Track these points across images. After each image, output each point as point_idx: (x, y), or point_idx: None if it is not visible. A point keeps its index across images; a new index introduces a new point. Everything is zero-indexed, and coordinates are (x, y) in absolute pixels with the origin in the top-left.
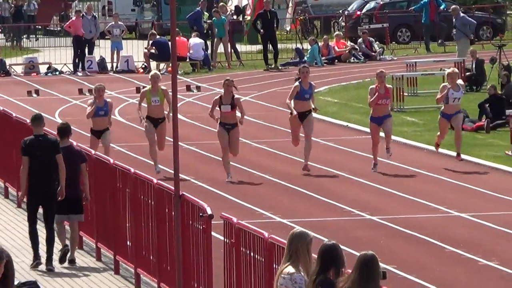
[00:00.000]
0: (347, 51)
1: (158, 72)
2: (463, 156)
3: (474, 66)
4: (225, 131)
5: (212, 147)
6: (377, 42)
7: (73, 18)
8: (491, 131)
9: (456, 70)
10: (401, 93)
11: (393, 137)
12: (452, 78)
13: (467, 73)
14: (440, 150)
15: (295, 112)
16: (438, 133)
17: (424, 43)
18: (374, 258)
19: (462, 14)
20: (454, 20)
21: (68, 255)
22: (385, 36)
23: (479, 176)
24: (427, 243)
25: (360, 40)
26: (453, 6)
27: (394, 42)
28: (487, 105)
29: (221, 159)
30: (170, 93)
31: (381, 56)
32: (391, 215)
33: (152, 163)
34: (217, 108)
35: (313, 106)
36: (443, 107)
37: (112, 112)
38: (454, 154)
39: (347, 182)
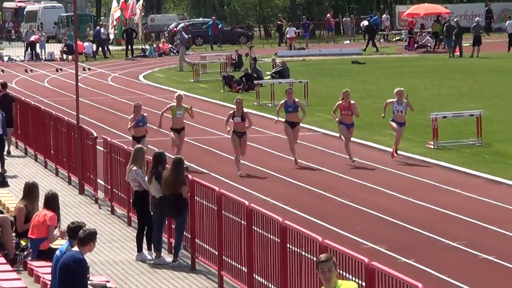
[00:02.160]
0: (168, 49)
1: (182, 94)
2: None
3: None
4: (237, 137)
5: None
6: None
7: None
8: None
9: (403, 88)
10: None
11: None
12: (399, 94)
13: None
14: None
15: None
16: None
17: (210, 45)
18: (181, 160)
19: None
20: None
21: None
22: (189, 41)
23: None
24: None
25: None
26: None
27: (194, 45)
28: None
29: (233, 158)
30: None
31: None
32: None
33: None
34: (231, 120)
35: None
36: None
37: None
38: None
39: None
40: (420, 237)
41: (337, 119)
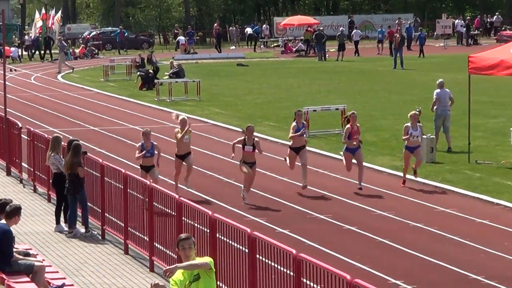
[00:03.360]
0: (83, 54)
1: (186, 118)
2: None
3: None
4: (248, 167)
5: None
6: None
7: None
8: None
9: (417, 112)
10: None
11: None
12: (413, 118)
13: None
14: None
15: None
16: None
17: (117, 50)
18: (78, 145)
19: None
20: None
21: None
22: (99, 47)
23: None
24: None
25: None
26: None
27: (104, 50)
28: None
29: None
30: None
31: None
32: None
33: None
34: (239, 145)
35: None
36: (406, 142)
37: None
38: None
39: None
40: (295, 211)
41: (354, 143)
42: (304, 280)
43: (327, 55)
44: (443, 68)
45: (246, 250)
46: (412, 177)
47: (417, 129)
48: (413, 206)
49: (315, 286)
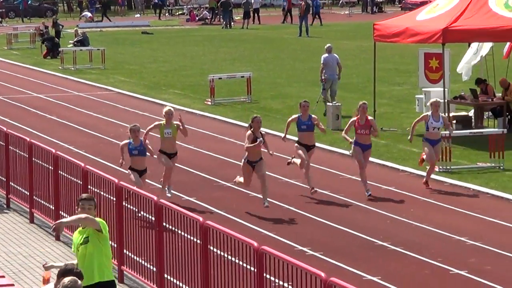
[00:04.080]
0: None
1: (172, 109)
2: None
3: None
4: (250, 167)
5: None
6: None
7: None
8: None
9: (439, 100)
10: None
11: None
12: (435, 106)
13: None
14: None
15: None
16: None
17: (21, 18)
18: None
19: None
20: None
21: None
22: (2, 15)
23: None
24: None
25: None
26: None
27: (7, 18)
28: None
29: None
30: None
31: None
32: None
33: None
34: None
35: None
36: (426, 134)
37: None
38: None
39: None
40: (201, 179)
41: (351, 140)
42: (211, 248)
43: (232, 23)
44: (348, 35)
45: (153, 219)
46: (410, 170)
47: (438, 120)
48: (318, 172)
49: (222, 253)
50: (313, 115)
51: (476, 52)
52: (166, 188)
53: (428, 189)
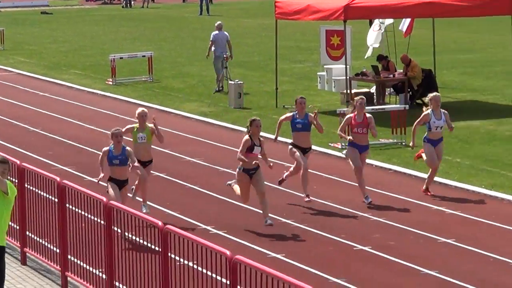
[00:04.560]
0: None
1: (146, 110)
2: None
3: None
4: (248, 176)
5: None
6: None
7: None
8: None
9: (438, 94)
10: None
11: None
12: (435, 101)
13: None
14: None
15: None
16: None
17: None
18: None
19: None
20: None
21: None
22: None
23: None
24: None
25: None
26: None
27: None
28: None
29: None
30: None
31: None
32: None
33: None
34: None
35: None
36: (427, 134)
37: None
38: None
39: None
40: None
41: (349, 138)
42: (115, 228)
43: (132, 2)
44: (250, 14)
45: (56, 200)
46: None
47: (440, 117)
48: (220, 151)
49: (126, 233)
50: (310, 113)
51: (380, 29)
52: (143, 205)
53: (430, 195)
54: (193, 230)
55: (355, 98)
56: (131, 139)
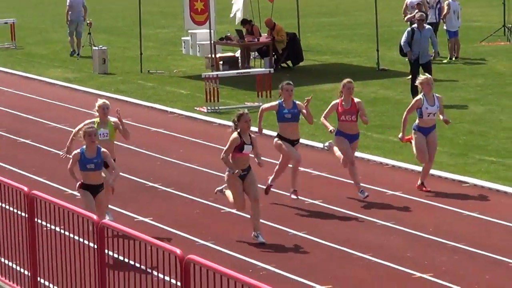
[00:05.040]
0: None
1: (108, 102)
2: None
3: None
4: (239, 180)
5: None
6: None
7: None
8: None
9: (430, 76)
10: None
11: None
12: (426, 85)
13: None
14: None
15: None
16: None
17: None
18: None
19: None
20: None
21: None
22: None
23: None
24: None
25: None
26: None
27: None
28: None
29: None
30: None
31: None
32: None
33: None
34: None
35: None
36: (418, 121)
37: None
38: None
39: None
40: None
41: (331, 128)
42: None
43: None
44: None
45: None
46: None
47: (434, 103)
48: (86, 117)
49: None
50: (298, 102)
51: None
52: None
53: (426, 191)
54: (60, 195)
55: (343, 82)
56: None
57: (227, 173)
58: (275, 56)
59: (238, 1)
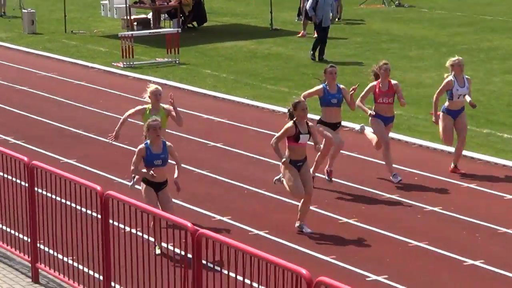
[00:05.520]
0: None
1: (160, 88)
2: None
3: None
4: (296, 170)
5: None
6: None
7: None
8: None
9: (461, 59)
10: None
11: None
12: (458, 66)
13: None
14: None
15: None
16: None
17: None
18: None
19: None
20: None
21: None
22: None
23: None
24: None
25: None
26: None
27: None
28: None
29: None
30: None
31: None
32: None
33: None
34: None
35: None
36: (447, 103)
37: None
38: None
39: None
40: None
41: (370, 112)
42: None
43: None
44: None
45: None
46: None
47: (464, 85)
48: (19, 72)
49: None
50: (342, 86)
51: None
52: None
53: (459, 173)
54: None
55: (379, 63)
56: (141, 122)
57: (283, 160)
58: (182, 17)
59: None
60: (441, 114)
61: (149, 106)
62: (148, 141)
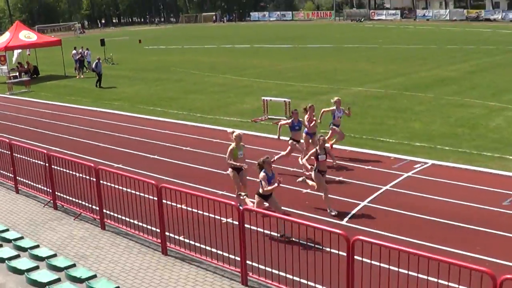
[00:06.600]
0: None
1: (241, 133)
2: None
3: None
4: (321, 176)
5: None
6: None
7: None
8: None
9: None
10: None
11: None
12: (338, 103)
13: None
14: None
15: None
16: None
17: None
18: None
19: None
20: None
21: None
22: None
23: None
24: None
25: None
26: None
27: None
28: None
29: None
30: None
31: None
32: None
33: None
34: (312, 157)
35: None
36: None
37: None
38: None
39: None
40: None
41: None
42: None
43: None
44: None
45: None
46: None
47: (340, 111)
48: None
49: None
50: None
51: None
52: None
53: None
54: None
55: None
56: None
57: (314, 171)
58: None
59: None
60: (331, 127)
61: (234, 144)
62: (265, 170)
